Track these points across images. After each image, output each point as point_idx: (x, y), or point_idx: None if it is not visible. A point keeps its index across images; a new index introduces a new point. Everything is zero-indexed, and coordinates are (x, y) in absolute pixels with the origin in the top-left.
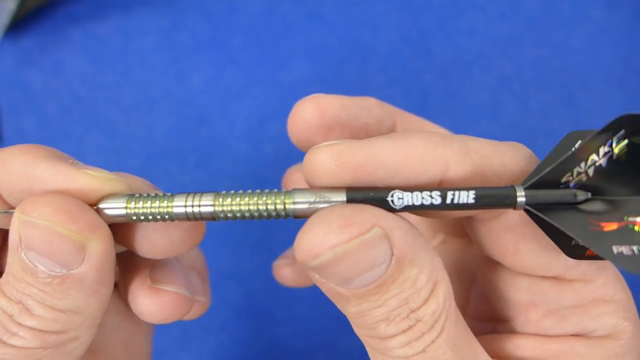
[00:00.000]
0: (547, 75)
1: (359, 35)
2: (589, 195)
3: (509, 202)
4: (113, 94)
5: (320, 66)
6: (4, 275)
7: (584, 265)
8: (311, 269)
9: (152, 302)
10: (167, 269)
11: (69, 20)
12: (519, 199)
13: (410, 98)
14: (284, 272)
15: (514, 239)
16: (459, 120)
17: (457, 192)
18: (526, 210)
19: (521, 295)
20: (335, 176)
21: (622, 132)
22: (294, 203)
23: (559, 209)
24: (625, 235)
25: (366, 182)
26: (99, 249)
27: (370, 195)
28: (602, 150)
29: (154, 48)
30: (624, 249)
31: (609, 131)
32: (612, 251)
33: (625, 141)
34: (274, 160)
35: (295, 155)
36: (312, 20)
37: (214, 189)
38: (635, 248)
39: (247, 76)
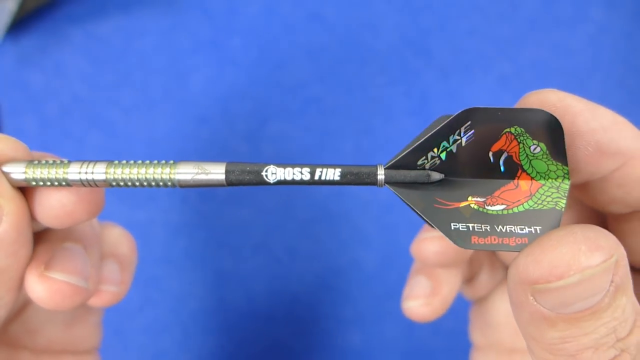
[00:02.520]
0: (547, 75)
1: (359, 36)
2: (443, 176)
3: (370, 180)
4: (113, 94)
5: (320, 66)
6: None
7: None
8: (535, 291)
9: (41, 289)
10: (65, 256)
11: (69, 20)
12: (379, 177)
13: (410, 98)
14: (422, 312)
15: None
16: None
17: (324, 169)
18: (389, 187)
19: None
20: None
21: (469, 122)
22: (177, 173)
23: (416, 188)
24: (464, 214)
25: None
26: (15, 208)
27: (246, 169)
28: (452, 138)
29: (154, 48)
30: (460, 226)
31: (458, 122)
32: (450, 227)
33: (472, 131)
34: (274, 161)
35: (296, 155)
36: (312, 20)
37: (214, 189)
38: (469, 226)
39: (247, 76)
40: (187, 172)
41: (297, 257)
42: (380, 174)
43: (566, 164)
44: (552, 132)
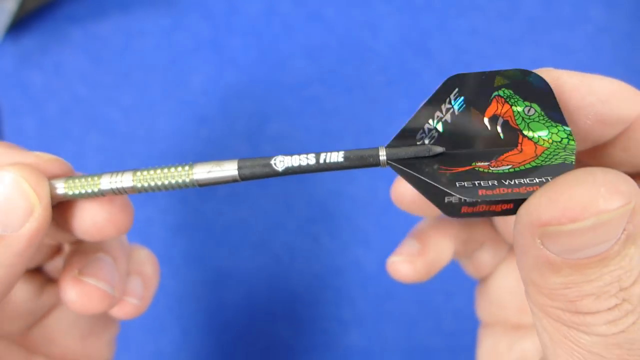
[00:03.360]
0: None
1: (359, 36)
2: (443, 149)
3: (373, 160)
4: (113, 94)
5: (320, 66)
6: None
7: None
8: (544, 234)
9: (73, 291)
10: (97, 264)
11: (69, 20)
12: (381, 158)
13: (410, 98)
14: (404, 269)
15: None
16: None
17: (328, 153)
18: (392, 167)
19: None
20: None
21: (457, 90)
22: (195, 174)
23: (418, 164)
24: (470, 174)
25: None
26: (43, 215)
27: (257, 162)
28: (444, 107)
29: (154, 48)
30: (465, 183)
31: (445, 90)
32: (455, 186)
33: (462, 98)
34: None
35: None
36: (312, 21)
37: (214, 190)
38: (475, 182)
39: (247, 76)
40: (203, 171)
41: (297, 257)
42: (382, 155)
43: (567, 125)
44: (540, 91)
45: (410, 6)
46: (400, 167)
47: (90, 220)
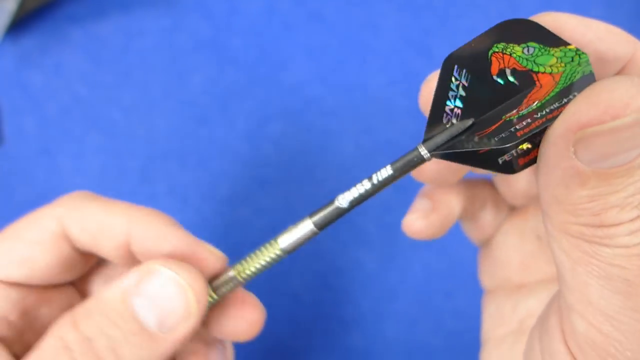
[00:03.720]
0: None
1: (360, 35)
2: (472, 119)
3: (418, 159)
4: (113, 94)
5: (320, 66)
6: (85, 307)
7: None
8: (580, 140)
9: None
10: (218, 353)
11: (69, 20)
12: (423, 154)
13: (410, 98)
14: (419, 224)
15: None
16: None
17: (378, 173)
18: (437, 157)
19: None
20: None
21: (456, 67)
22: (280, 244)
23: (457, 145)
24: (503, 126)
25: None
26: (194, 324)
27: (325, 210)
28: (453, 85)
29: (154, 48)
30: (503, 134)
31: (446, 73)
32: (493, 141)
33: (464, 70)
34: (274, 161)
35: (296, 155)
36: (313, 20)
37: (214, 190)
38: (510, 129)
39: (247, 76)
40: (287, 240)
41: (297, 257)
42: (423, 151)
43: (569, 43)
44: (530, 30)
45: (410, 6)
46: (444, 153)
47: (244, 321)
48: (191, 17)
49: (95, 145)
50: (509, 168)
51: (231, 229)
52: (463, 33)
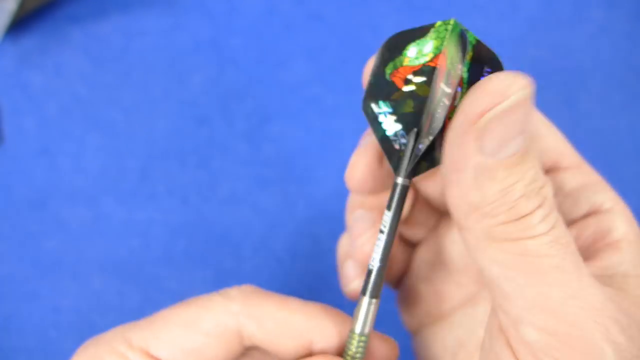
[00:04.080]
0: (547, 75)
1: (360, 36)
2: (415, 129)
3: (404, 189)
4: (113, 94)
5: (320, 66)
6: None
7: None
8: (480, 131)
9: None
10: None
11: (69, 20)
12: (404, 183)
13: None
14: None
15: None
16: None
17: (382, 222)
18: (414, 175)
19: None
20: None
21: (368, 104)
22: (364, 342)
23: (424, 156)
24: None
25: None
26: None
27: (368, 280)
28: (381, 116)
29: (154, 48)
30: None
31: (368, 116)
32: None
33: (378, 101)
34: (274, 161)
35: (296, 155)
36: (313, 21)
37: (214, 190)
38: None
39: (247, 76)
40: (359, 325)
41: (297, 257)
42: (401, 180)
43: (435, 23)
44: (403, 38)
45: (410, 6)
46: (418, 173)
47: None
48: (191, 17)
49: (95, 145)
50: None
51: (231, 229)
52: None
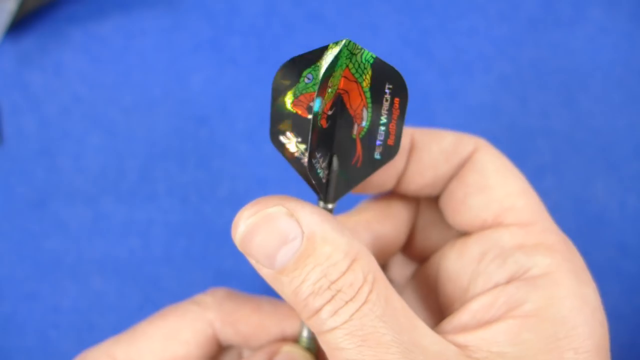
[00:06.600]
0: (547, 75)
1: (359, 36)
2: (334, 154)
3: (330, 208)
4: (113, 94)
5: None
6: None
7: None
8: (242, 250)
9: None
10: None
11: (69, 20)
12: (329, 207)
13: (410, 98)
14: None
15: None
16: (458, 120)
17: None
18: (338, 198)
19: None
20: None
21: (281, 138)
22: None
23: (344, 175)
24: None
25: None
26: None
27: None
28: (290, 148)
29: (154, 48)
30: (369, 137)
31: (276, 145)
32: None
33: (283, 133)
34: (274, 160)
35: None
36: (313, 21)
37: (214, 190)
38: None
39: (247, 76)
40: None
41: None
42: (328, 207)
43: (328, 45)
44: (296, 65)
45: (410, 6)
46: (343, 194)
47: None
48: (191, 17)
49: (95, 145)
50: (390, 154)
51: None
52: (462, 34)
